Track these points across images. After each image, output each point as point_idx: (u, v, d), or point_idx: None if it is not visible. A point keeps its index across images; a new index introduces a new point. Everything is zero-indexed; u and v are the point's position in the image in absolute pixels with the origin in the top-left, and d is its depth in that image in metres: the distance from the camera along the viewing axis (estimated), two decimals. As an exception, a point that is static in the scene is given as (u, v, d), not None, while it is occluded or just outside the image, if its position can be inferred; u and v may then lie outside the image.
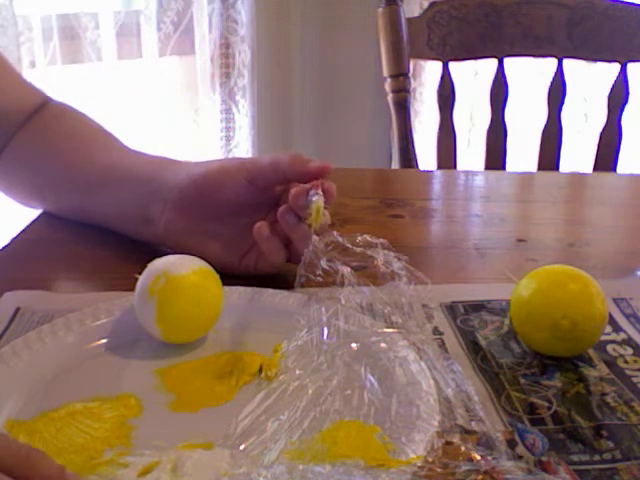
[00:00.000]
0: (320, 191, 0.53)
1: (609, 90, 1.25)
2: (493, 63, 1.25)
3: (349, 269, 0.51)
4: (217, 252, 0.58)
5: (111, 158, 0.67)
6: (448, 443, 0.38)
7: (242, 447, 0.38)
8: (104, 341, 0.49)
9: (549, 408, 0.43)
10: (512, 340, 0.50)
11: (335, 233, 0.52)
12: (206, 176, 0.58)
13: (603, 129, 1.27)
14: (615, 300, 0.55)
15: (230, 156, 1.96)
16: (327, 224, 0.53)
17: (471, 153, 1.90)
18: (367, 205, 0.80)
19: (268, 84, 2.04)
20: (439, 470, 0.36)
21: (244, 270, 0.59)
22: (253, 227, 0.57)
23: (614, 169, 1.27)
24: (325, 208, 0.53)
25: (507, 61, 1.25)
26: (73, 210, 0.69)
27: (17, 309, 0.53)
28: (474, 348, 0.49)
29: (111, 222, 0.66)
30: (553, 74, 1.26)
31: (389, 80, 1.21)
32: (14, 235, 0.68)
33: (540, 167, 1.28)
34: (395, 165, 1.25)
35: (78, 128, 0.72)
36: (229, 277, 0.52)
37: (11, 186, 0.74)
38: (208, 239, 0.59)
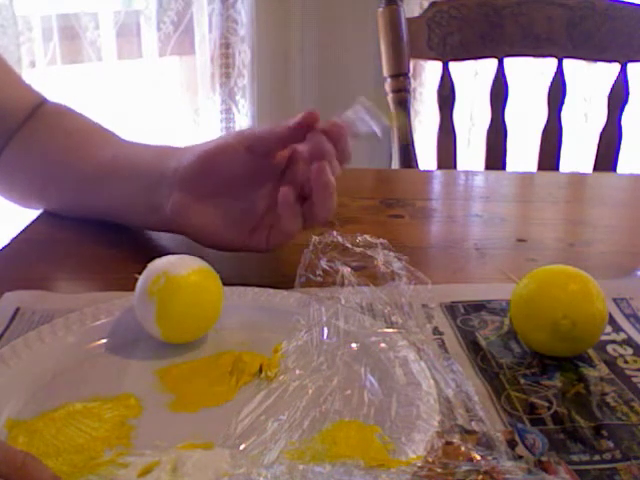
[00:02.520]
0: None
1: (609, 90, 1.25)
2: (493, 63, 1.25)
3: (349, 269, 0.51)
4: (226, 230, 0.59)
5: (113, 151, 0.67)
6: (448, 443, 0.38)
7: (242, 447, 0.38)
8: (104, 341, 0.49)
9: (549, 408, 0.43)
10: (512, 340, 0.50)
11: (335, 233, 0.52)
12: (207, 151, 0.58)
13: (603, 129, 1.27)
14: (615, 300, 0.55)
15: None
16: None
17: (471, 153, 1.90)
18: (367, 205, 0.80)
19: (268, 84, 2.04)
20: (439, 470, 0.36)
21: (255, 246, 0.59)
22: (260, 200, 0.58)
23: (614, 169, 1.27)
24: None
25: (507, 61, 1.25)
26: (78, 207, 0.69)
27: (17, 309, 0.53)
28: (474, 348, 0.49)
29: (118, 215, 0.66)
30: (553, 74, 1.26)
31: (389, 80, 1.21)
32: (14, 235, 0.68)
33: (540, 167, 1.28)
34: (395, 165, 1.25)
35: (77, 126, 0.73)
36: (229, 277, 0.52)
37: (11, 187, 0.74)
38: (216, 217, 0.59)
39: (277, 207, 0.56)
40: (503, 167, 1.29)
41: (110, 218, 0.67)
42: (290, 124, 0.56)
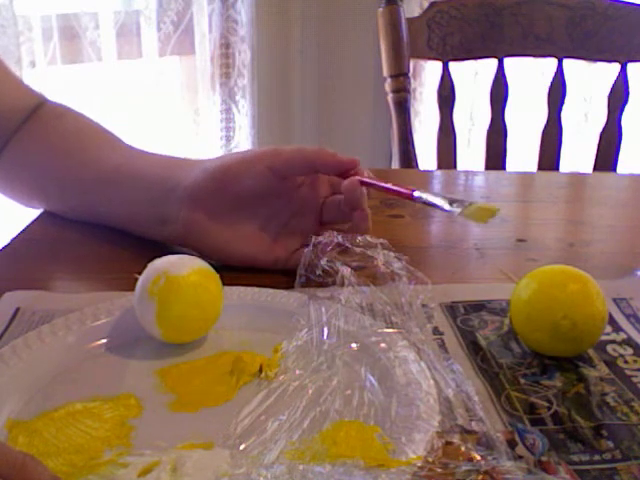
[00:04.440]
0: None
1: (609, 90, 1.25)
2: (493, 63, 1.25)
3: (349, 269, 0.51)
4: (240, 247, 0.59)
5: (120, 157, 0.66)
6: (448, 443, 0.38)
7: (242, 447, 0.38)
8: (104, 341, 0.49)
9: (549, 408, 0.43)
10: (512, 340, 0.50)
11: (335, 233, 0.52)
12: (222, 167, 0.58)
13: (603, 129, 1.27)
14: (615, 300, 0.55)
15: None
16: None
17: (471, 153, 1.90)
18: (367, 205, 0.79)
19: (268, 84, 2.04)
20: (439, 470, 0.36)
21: (272, 263, 0.59)
22: (275, 218, 0.59)
23: (614, 169, 1.27)
24: None
25: (507, 61, 1.25)
26: (80, 210, 0.69)
27: (17, 309, 0.53)
28: (474, 348, 0.49)
29: (122, 222, 0.66)
30: (553, 74, 1.26)
31: (389, 80, 1.21)
32: (14, 235, 0.68)
33: (540, 167, 1.28)
34: (395, 165, 1.25)
35: (81, 128, 0.72)
36: (229, 277, 0.52)
37: (12, 186, 0.74)
38: (229, 234, 0.59)
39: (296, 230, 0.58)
40: (503, 167, 1.29)
41: (114, 225, 0.66)
42: (332, 159, 0.55)
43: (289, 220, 0.60)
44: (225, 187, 0.58)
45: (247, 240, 0.59)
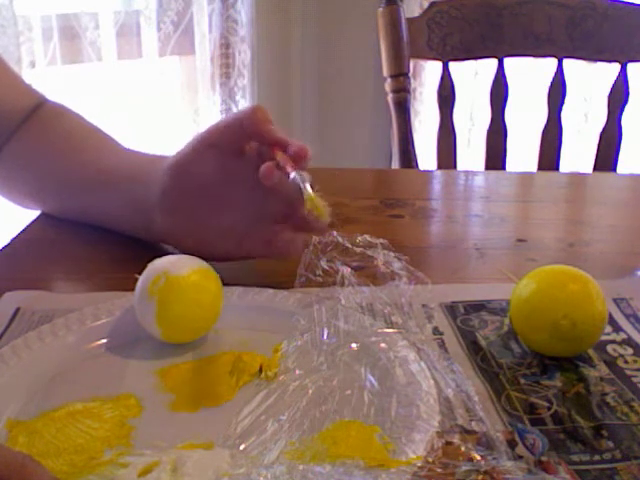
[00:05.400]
0: (303, 172, 0.52)
1: (609, 90, 1.25)
2: (493, 63, 1.25)
3: (349, 269, 0.51)
4: (212, 244, 0.58)
5: (113, 159, 0.66)
6: (448, 443, 0.38)
7: (242, 447, 0.38)
8: (104, 341, 0.49)
9: (549, 408, 0.43)
10: (512, 340, 0.50)
11: (335, 233, 0.52)
12: (176, 163, 0.58)
13: (603, 129, 1.27)
14: (615, 300, 0.55)
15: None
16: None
17: (471, 153, 1.90)
18: (367, 205, 0.80)
19: (268, 84, 2.04)
20: (439, 470, 0.36)
21: (246, 253, 0.58)
22: (243, 207, 0.57)
23: (614, 169, 1.27)
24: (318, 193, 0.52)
25: (507, 61, 1.25)
26: (75, 211, 0.69)
27: (17, 309, 0.53)
28: (474, 348, 0.49)
29: (115, 223, 0.66)
30: (553, 74, 1.26)
31: (389, 80, 1.21)
32: (14, 235, 0.68)
33: (540, 167, 1.28)
34: (395, 165, 1.25)
35: (76, 129, 0.72)
36: (229, 277, 0.52)
37: (9, 188, 0.74)
38: (201, 233, 0.58)
39: (265, 220, 0.56)
40: (503, 167, 1.29)
41: (107, 226, 0.66)
42: (262, 123, 0.54)
43: (262, 207, 0.57)
44: (183, 181, 0.57)
45: (218, 237, 0.58)
